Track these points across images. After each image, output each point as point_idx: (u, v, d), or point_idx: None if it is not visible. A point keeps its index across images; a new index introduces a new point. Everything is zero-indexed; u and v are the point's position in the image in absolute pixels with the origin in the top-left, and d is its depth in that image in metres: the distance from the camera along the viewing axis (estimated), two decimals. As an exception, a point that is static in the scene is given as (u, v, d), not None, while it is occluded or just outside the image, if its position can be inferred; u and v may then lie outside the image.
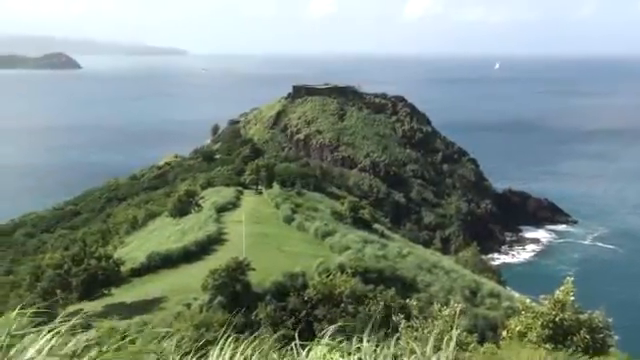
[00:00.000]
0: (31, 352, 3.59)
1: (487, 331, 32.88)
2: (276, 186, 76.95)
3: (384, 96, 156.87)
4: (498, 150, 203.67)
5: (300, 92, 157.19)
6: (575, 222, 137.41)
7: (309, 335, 5.14)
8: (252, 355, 4.45)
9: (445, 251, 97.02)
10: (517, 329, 13.75)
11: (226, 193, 72.13)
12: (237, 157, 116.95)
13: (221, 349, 4.35)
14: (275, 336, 5.03)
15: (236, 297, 32.47)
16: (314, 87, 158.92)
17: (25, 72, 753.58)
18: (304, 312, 30.74)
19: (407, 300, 25.27)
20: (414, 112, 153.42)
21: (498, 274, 71.13)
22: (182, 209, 62.84)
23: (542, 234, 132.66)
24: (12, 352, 3.58)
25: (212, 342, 4.54)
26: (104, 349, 3.79)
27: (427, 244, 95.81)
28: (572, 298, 13.62)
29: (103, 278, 35.78)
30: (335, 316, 28.85)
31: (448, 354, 4.68)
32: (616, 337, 14.40)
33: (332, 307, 30.71)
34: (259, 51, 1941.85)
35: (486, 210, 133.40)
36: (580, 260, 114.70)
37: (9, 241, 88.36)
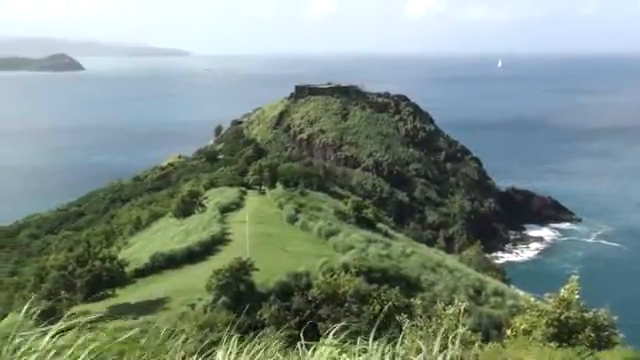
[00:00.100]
0: (37, 353, 3.59)
1: (491, 330, 32.87)
2: (279, 186, 76.91)
3: (387, 95, 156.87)
4: (501, 148, 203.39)
5: (303, 92, 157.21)
6: (579, 220, 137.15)
7: (313, 335, 5.14)
8: (257, 355, 4.45)
9: (449, 250, 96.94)
10: (522, 327, 13.75)
11: (229, 193, 72.13)
12: (240, 157, 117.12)
13: (227, 349, 4.35)
14: (279, 335, 5.03)
15: (240, 297, 32.48)
16: (317, 87, 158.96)
17: (28, 74, 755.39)
18: (308, 312, 30.76)
19: (411, 299, 25.28)
20: (417, 111, 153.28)
21: (502, 273, 70.94)
22: (186, 210, 62.83)
23: (546, 232, 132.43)
24: (18, 353, 3.58)
25: (217, 342, 4.55)
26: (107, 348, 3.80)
27: (431, 243, 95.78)
28: (577, 296, 13.61)
29: (107, 279, 35.80)
30: (339, 315, 28.87)
31: (454, 352, 4.67)
32: (621, 335, 14.37)
33: (336, 306, 30.73)
34: (262, 51, 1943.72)
35: (490, 209, 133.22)
36: (584, 258, 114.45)
37: (13, 242, 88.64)
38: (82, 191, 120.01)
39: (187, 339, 4.91)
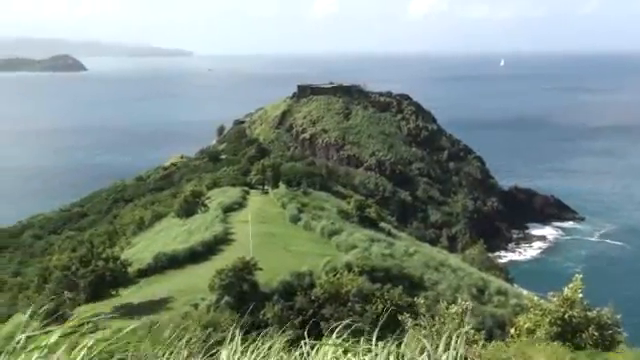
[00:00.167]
0: (41, 353, 3.60)
1: (495, 329, 32.80)
2: (282, 186, 76.96)
3: (389, 94, 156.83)
4: (504, 147, 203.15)
5: (305, 91, 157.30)
6: (582, 219, 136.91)
7: (316, 334, 5.14)
8: (262, 355, 4.46)
9: (452, 249, 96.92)
10: (525, 326, 13.73)
11: (232, 193, 72.16)
12: (243, 157, 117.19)
13: (231, 349, 4.36)
14: (283, 335, 5.03)
15: (243, 297, 32.48)
16: (319, 86, 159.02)
17: (31, 74, 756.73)
18: (311, 311, 30.77)
19: (414, 298, 25.26)
20: (419, 110, 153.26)
21: (505, 272, 71.01)
22: (188, 210, 62.87)
23: (549, 231, 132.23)
24: (23, 354, 3.59)
25: (221, 342, 4.56)
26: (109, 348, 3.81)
27: (434, 242, 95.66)
28: (580, 295, 13.59)
29: (110, 279, 35.83)
30: (342, 315, 28.85)
31: (458, 351, 4.67)
32: (625, 334, 14.34)
33: (339, 306, 30.75)
34: (264, 51, 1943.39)
35: (492, 208, 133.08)
36: (587, 257, 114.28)
37: (17, 243, 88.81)
38: (85, 191, 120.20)
39: (191, 339, 4.92)
